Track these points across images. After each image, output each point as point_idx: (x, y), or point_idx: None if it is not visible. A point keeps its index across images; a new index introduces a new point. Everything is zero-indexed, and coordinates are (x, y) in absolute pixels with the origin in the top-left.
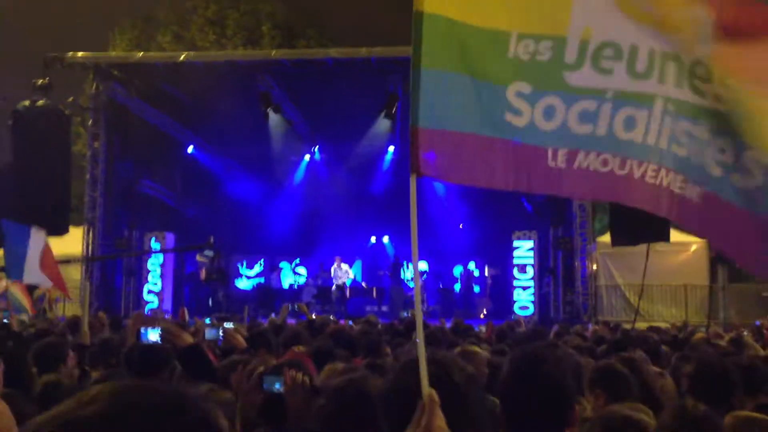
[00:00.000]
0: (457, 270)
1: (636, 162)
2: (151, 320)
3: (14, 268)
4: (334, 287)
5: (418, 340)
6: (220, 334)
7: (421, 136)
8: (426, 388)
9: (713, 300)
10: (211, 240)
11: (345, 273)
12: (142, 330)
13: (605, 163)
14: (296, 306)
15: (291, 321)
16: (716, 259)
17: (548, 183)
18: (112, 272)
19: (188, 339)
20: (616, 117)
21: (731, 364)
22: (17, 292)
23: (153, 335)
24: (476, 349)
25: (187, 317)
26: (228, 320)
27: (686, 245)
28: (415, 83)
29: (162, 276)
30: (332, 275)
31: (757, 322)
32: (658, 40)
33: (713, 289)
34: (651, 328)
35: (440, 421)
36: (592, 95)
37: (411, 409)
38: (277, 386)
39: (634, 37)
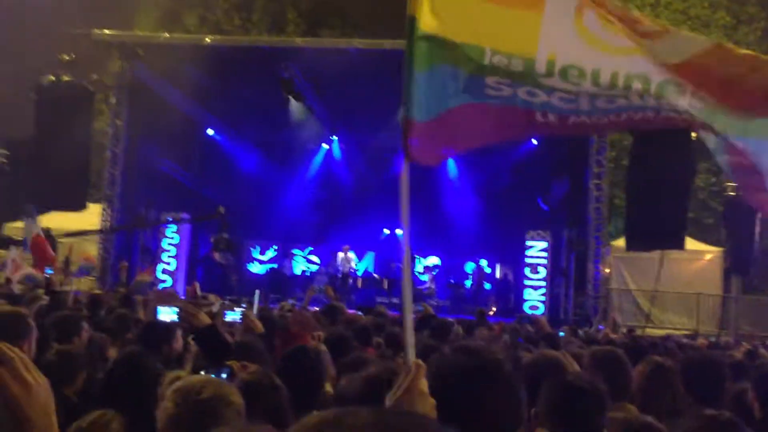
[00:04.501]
0: (469, 266)
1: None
2: (168, 298)
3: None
4: (340, 276)
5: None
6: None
7: (414, 127)
8: (413, 357)
9: (726, 310)
10: (221, 209)
11: (349, 262)
12: (158, 309)
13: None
14: (323, 288)
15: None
16: (730, 269)
17: (533, 129)
18: (128, 251)
19: (205, 319)
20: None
21: (719, 356)
22: None
23: (167, 315)
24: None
25: (199, 293)
26: (240, 303)
27: (701, 254)
28: (407, 82)
29: (176, 257)
30: (338, 263)
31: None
32: (623, 64)
33: (726, 299)
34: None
35: (423, 386)
36: (566, 92)
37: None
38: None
39: (595, 63)
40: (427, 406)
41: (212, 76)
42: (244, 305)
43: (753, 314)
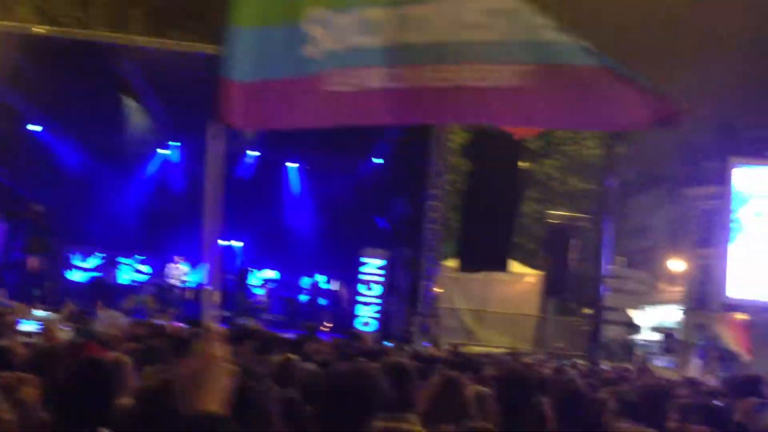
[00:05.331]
0: (305, 281)
1: (424, 67)
2: None
3: None
4: (169, 287)
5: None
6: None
7: (232, 88)
8: (208, 323)
9: (542, 330)
10: (37, 207)
11: (181, 273)
12: None
13: (396, 77)
14: (145, 299)
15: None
16: (548, 292)
17: (354, 113)
18: None
19: None
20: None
21: (527, 371)
22: None
23: None
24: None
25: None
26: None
27: (522, 276)
28: (229, 39)
29: None
30: (168, 274)
31: None
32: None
33: (542, 319)
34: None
35: (218, 351)
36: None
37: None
38: None
39: None
40: (221, 371)
41: (41, 69)
42: (44, 315)
43: (566, 334)
